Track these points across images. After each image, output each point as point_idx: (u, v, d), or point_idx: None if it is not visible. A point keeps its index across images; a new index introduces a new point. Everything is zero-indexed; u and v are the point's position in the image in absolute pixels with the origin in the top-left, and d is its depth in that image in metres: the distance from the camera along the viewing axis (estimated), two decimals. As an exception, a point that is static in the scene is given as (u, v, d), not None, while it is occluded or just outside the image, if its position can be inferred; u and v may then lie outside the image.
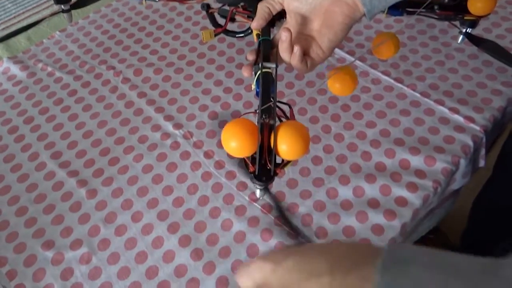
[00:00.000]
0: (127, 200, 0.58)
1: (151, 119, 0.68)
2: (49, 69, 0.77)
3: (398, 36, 0.58)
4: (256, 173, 0.41)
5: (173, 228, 0.55)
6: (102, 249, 0.54)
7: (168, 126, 0.66)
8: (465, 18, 0.66)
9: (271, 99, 0.43)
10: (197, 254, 0.53)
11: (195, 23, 0.84)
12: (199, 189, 0.59)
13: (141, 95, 0.71)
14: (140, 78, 0.74)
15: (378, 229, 0.54)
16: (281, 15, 0.53)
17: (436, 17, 0.68)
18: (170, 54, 0.78)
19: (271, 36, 0.51)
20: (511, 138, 0.70)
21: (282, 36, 0.46)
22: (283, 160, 0.43)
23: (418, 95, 0.67)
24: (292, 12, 0.49)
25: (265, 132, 0.41)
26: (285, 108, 0.48)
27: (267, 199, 0.57)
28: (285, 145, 0.40)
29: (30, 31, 0.85)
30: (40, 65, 0.78)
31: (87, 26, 0.85)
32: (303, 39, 0.49)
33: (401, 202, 0.56)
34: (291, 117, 0.47)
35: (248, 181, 0.59)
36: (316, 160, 0.61)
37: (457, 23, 0.70)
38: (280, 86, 0.69)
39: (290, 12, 0.50)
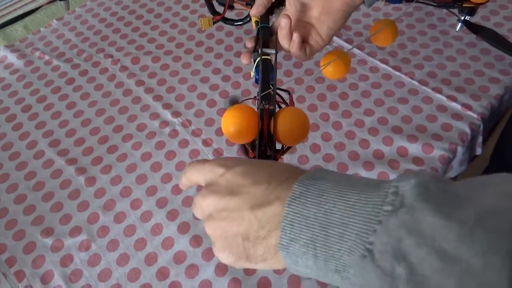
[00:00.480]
0: (126, 187, 0.58)
1: (149, 107, 0.67)
2: (47, 57, 0.76)
3: (396, 24, 0.57)
4: (256, 159, 0.41)
5: (172, 215, 0.55)
6: (101, 236, 0.54)
7: (167, 114, 0.66)
8: (464, 5, 0.66)
9: (271, 85, 0.43)
10: (196, 240, 0.53)
11: (193, 11, 0.83)
12: (197, 177, 0.59)
13: (139, 83, 0.71)
14: (138, 66, 0.74)
15: (375, 216, 0.54)
16: (280, 2, 0.53)
17: (434, 4, 0.68)
18: (168, 43, 0.77)
19: (270, 24, 0.51)
20: (508, 128, 0.70)
21: (282, 23, 0.45)
22: (283, 147, 0.43)
23: (416, 83, 0.67)
24: None
25: (265, 118, 0.41)
26: (285, 95, 0.48)
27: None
28: (285, 130, 0.40)
29: (27, 19, 0.84)
30: (37, 53, 0.77)
31: (84, 14, 0.84)
32: (302, 26, 0.49)
33: (399, 189, 0.56)
34: (291, 104, 0.47)
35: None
36: (315, 148, 0.61)
37: (455, 10, 0.70)
38: (279, 74, 0.69)
39: None
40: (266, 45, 0.47)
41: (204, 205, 0.32)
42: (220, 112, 0.66)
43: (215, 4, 0.64)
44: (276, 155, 0.42)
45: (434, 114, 0.63)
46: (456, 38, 0.73)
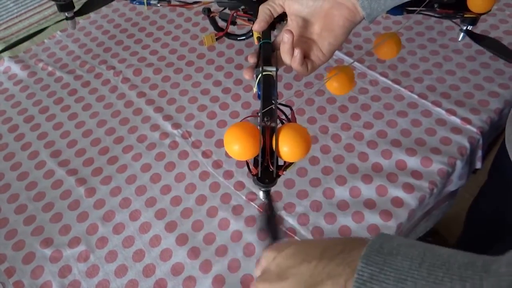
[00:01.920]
0: (125, 198, 0.59)
1: (150, 118, 0.68)
2: (50, 68, 0.77)
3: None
4: (259, 175, 0.42)
5: (170, 227, 0.56)
6: (100, 247, 0.54)
7: (167, 126, 0.67)
8: (465, 15, 0.66)
9: (272, 101, 0.44)
10: (194, 252, 0.53)
11: (195, 24, 0.84)
12: (197, 189, 0.59)
13: (141, 95, 0.71)
14: (139, 78, 0.74)
15: (374, 229, 0.54)
16: (281, 17, 0.53)
17: (436, 15, 0.69)
18: (170, 55, 0.78)
19: (272, 39, 0.52)
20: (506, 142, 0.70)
21: (284, 38, 0.46)
22: (285, 162, 0.44)
23: (415, 96, 0.68)
24: (293, 15, 0.50)
25: (267, 134, 0.42)
26: (286, 110, 0.48)
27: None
28: (287, 147, 0.41)
29: (32, 31, 0.85)
30: (40, 64, 0.78)
31: (87, 26, 0.86)
32: (304, 42, 0.50)
33: (397, 202, 0.56)
34: (292, 119, 0.48)
35: (245, 181, 0.59)
36: (313, 161, 0.61)
37: (457, 20, 0.70)
38: (279, 87, 0.69)
39: (291, 15, 0.50)
40: (268, 62, 0.48)
41: None
42: (220, 124, 0.67)
43: (218, 20, 0.65)
44: (278, 171, 0.42)
45: (433, 127, 0.63)
46: (456, 52, 0.74)
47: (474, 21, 0.69)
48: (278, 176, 0.42)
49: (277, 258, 0.30)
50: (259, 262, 0.34)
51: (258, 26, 0.51)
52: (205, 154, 0.63)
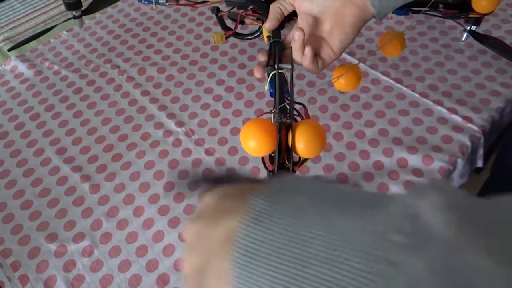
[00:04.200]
0: (129, 195, 0.59)
1: (154, 116, 0.69)
2: (56, 67, 0.78)
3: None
4: (275, 171, 0.43)
5: (173, 223, 0.56)
6: (104, 242, 0.55)
7: (171, 124, 0.68)
8: (470, 16, 0.67)
9: (286, 99, 0.44)
10: (196, 248, 0.54)
11: (199, 23, 0.85)
12: (200, 186, 0.60)
13: (145, 93, 0.72)
14: (144, 77, 0.75)
15: (375, 226, 0.54)
16: (291, 16, 0.54)
17: (440, 15, 0.69)
18: (174, 54, 0.79)
19: (281, 38, 0.53)
20: (508, 138, 0.70)
21: (295, 36, 0.46)
22: (299, 158, 0.44)
23: (417, 95, 0.68)
24: (303, 13, 0.50)
25: (283, 131, 0.42)
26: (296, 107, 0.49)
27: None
28: (303, 143, 0.41)
29: (38, 30, 0.87)
30: (47, 63, 0.79)
31: (93, 26, 0.87)
32: (314, 40, 0.50)
33: (398, 200, 0.56)
34: (306, 116, 0.48)
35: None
36: (315, 158, 0.62)
37: (460, 20, 0.71)
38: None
39: (301, 13, 0.51)
40: (280, 60, 0.48)
41: None
42: (223, 122, 0.67)
43: (225, 19, 0.66)
44: (294, 167, 0.43)
45: (435, 126, 0.64)
46: (458, 51, 0.74)
47: (478, 21, 0.69)
48: (294, 172, 0.43)
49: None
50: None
51: (269, 25, 0.52)
52: (208, 152, 0.64)
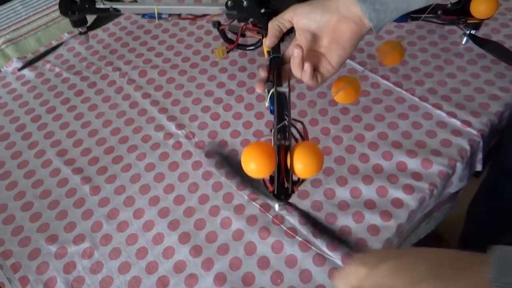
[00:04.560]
0: (129, 197, 0.60)
1: (154, 119, 0.69)
2: (57, 69, 0.79)
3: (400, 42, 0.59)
4: (275, 192, 0.45)
5: (173, 225, 0.56)
6: (104, 244, 0.55)
7: (171, 126, 0.68)
8: (468, 21, 0.67)
9: (286, 116, 0.46)
10: (196, 250, 0.54)
11: (200, 26, 0.86)
12: (199, 188, 0.60)
13: (146, 96, 0.73)
14: (144, 79, 0.76)
15: (374, 230, 0.55)
16: (290, 30, 0.55)
17: (440, 22, 0.70)
18: (175, 57, 0.80)
19: (282, 51, 0.54)
20: (506, 139, 0.71)
21: (294, 53, 0.47)
22: (298, 178, 0.46)
23: (416, 99, 0.68)
24: (301, 29, 0.51)
25: (282, 153, 0.44)
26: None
27: (266, 199, 0.58)
28: (301, 164, 0.44)
29: (39, 33, 0.87)
30: (48, 65, 0.80)
31: (95, 29, 0.87)
32: (313, 55, 0.51)
33: (397, 203, 0.57)
34: (305, 135, 0.50)
35: (247, 182, 0.60)
36: (315, 161, 0.62)
37: (461, 25, 0.71)
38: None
39: (299, 29, 0.52)
40: (279, 77, 0.50)
41: None
42: (224, 125, 0.68)
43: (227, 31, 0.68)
44: (293, 187, 0.45)
45: (434, 130, 0.64)
46: (457, 56, 0.75)
47: (477, 25, 0.70)
48: (293, 191, 0.45)
49: (373, 277, 0.26)
50: (342, 277, 0.30)
51: (269, 42, 0.53)
52: (208, 154, 0.64)
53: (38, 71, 0.79)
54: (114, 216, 0.58)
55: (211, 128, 0.67)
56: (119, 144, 0.66)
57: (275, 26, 0.52)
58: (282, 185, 0.45)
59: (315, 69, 0.50)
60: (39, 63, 0.80)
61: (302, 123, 0.51)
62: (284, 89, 0.48)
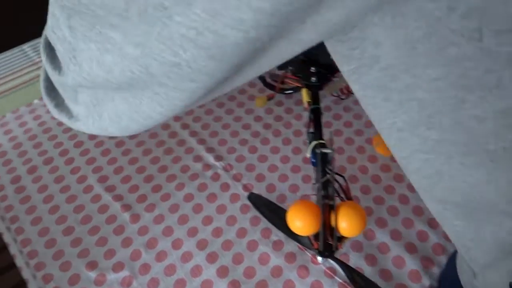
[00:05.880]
0: (168, 227, 0.60)
1: (193, 150, 0.71)
2: (100, 97, 0.81)
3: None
4: (320, 249, 0.47)
5: (211, 257, 0.57)
6: (143, 273, 0.55)
7: (209, 158, 0.69)
8: None
9: (328, 172, 0.48)
10: (234, 285, 0.54)
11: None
12: (237, 221, 0.61)
13: (185, 126, 0.74)
14: (184, 110, 0.78)
15: (415, 275, 0.54)
16: (328, 79, 0.57)
17: None
18: (213, 89, 0.82)
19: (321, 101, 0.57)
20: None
21: None
22: (342, 236, 0.48)
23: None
24: None
25: (326, 212, 0.47)
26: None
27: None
28: (346, 223, 0.46)
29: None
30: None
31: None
32: None
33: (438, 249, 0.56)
34: (347, 192, 0.51)
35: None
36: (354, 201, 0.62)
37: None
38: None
39: None
40: (319, 127, 0.53)
41: None
42: (261, 159, 0.69)
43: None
44: (337, 244, 0.47)
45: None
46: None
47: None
48: (337, 249, 0.47)
49: None
50: None
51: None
52: (246, 188, 0.65)
53: (82, 98, 0.81)
54: (153, 246, 0.58)
55: (248, 161, 0.68)
56: (158, 173, 0.67)
57: None
58: (326, 241, 0.47)
59: None
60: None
61: (343, 177, 0.52)
62: (327, 150, 0.50)
